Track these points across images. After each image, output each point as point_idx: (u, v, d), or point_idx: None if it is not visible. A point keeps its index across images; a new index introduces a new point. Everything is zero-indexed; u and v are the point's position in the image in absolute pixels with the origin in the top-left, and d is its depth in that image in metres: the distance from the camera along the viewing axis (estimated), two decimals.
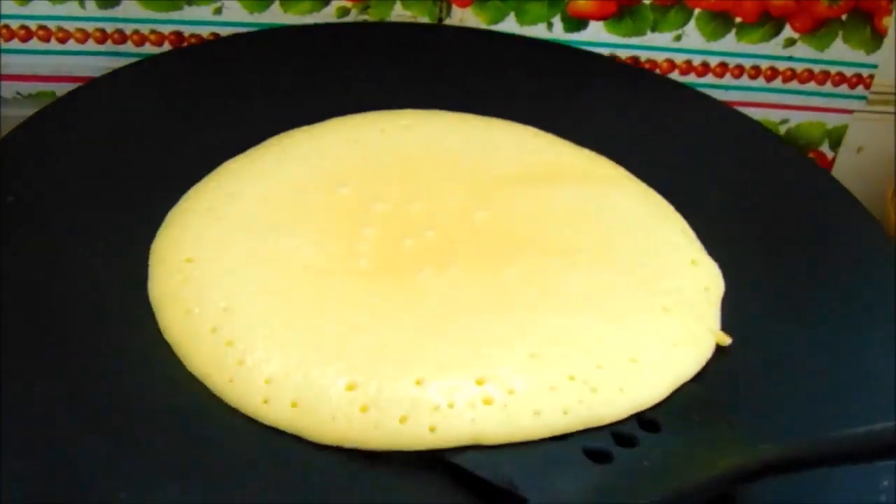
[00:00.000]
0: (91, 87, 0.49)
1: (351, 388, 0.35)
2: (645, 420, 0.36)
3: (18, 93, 0.55)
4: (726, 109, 0.53)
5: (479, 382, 0.36)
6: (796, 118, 0.59)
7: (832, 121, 0.60)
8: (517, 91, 0.51)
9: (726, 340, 0.39)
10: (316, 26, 0.55)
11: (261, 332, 0.37)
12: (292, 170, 0.44)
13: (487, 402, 0.35)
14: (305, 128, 0.47)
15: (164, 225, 0.42)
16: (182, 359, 0.37)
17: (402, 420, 0.35)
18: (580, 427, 0.35)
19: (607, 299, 0.40)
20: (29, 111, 0.53)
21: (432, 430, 0.35)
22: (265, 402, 0.36)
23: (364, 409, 0.35)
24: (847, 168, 0.60)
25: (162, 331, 0.38)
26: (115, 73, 0.49)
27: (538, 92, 0.51)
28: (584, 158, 0.47)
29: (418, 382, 0.36)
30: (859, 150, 0.60)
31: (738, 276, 0.42)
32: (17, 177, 0.43)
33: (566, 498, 0.33)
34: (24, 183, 0.42)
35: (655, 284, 0.41)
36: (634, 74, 0.56)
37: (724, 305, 0.41)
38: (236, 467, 0.34)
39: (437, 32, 0.56)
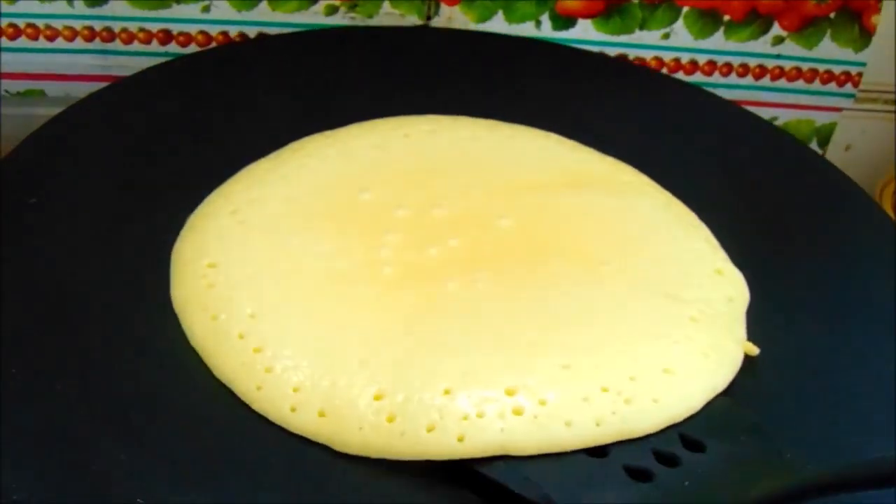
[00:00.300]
0: (111, 90, 0.49)
1: (378, 397, 0.35)
2: (689, 439, 0.35)
3: (7, 91, 0.55)
4: (736, 108, 0.53)
5: (510, 393, 0.35)
6: (785, 116, 0.60)
7: (821, 119, 0.60)
8: (538, 96, 0.51)
9: (754, 351, 0.39)
10: (332, 29, 0.55)
11: (289, 340, 0.37)
12: (315, 174, 0.44)
13: (518, 412, 0.35)
14: (328, 132, 0.47)
15: (185, 228, 0.42)
16: (209, 364, 0.37)
17: (430, 429, 0.34)
18: (613, 439, 0.35)
19: (637, 310, 0.39)
20: (17, 109, 0.54)
21: (460, 439, 0.34)
22: (293, 410, 0.35)
23: (391, 419, 0.35)
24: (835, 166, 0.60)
25: (187, 336, 0.38)
26: (139, 76, 0.49)
27: (557, 97, 0.51)
28: (607, 166, 0.47)
29: (447, 392, 0.35)
30: (847, 147, 0.61)
31: (760, 284, 0.42)
32: (37, 179, 0.42)
33: None
34: (43, 186, 0.42)
35: (682, 294, 0.40)
36: (652, 77, 0.56)
37: (749, 314, 0.41)
38: (262, 475, 0.34)
39: (453, 37, 0.55)
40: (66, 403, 0.34)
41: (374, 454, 0.34)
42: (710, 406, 0.37)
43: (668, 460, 0.34)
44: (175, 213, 0.42)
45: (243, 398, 0.36)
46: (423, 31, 0.56)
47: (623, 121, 0.50)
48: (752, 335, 0.40)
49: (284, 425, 0.35)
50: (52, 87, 0.55)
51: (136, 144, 0.45)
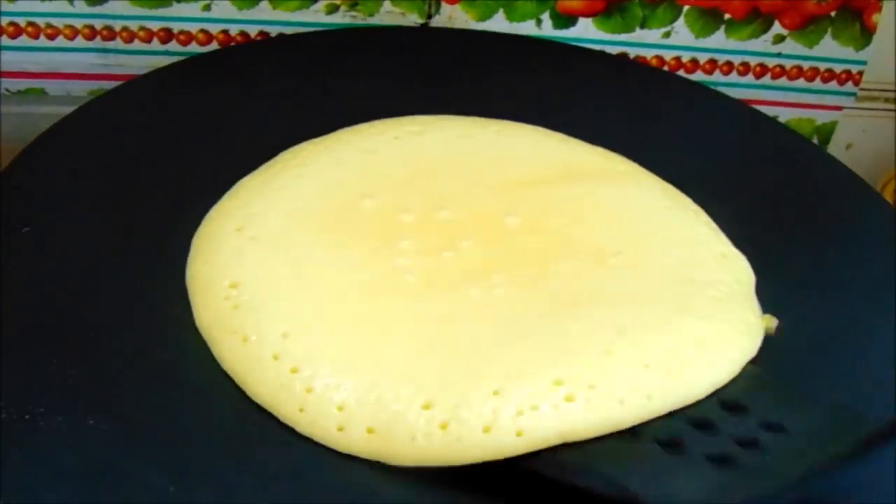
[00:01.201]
0: (97, 103, 0.48)
1: (427, 406, 0.35)
2: (771, 423, 0.35)
3: (7, 89, 0.55)
4: (727, 100, 0.53)
5: (558, 384, 0.35)
6: (786, 115, 0.60)
7: (821, 117, 0.60)
8: (516, 92, 0.51)
9: (774, 323, 0.40)
10: (312, 33, 0.54)
11: (325, 357, 0.36)
12: (313, 183, 0.43)
13: (570, 398, 0.35)
14: (316, 140, 0.46)
15: (193, 250, 0.40)
16: (244, 388, 0.36)
17: (486, 430, 0.34)
18: (666, 410, 0.35)
19: (660, 292, 0.40)
20: (17, 108, 0.54)
21: (519, 434, 0.34)
22: (340, 429, 0.34)
23: (444, 426, 0.34)
24: None
25: (218, 360, 0.37)
26: (123, 87, 0.48)
27: (536, 91, 0.51)
28: (599, 156, 0.47)
29: (496, 393, 0.35)
30: (848, 146, 0.61)
31: (760, 266, 0.43)
32: (21, 208, 0.41)
33: (688, 498, 0.32)
34: (29, 212, 0.41)
35: (697, 277, 0.41)
36: (643, 70, 0.56)
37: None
38: (312, 497, 0.33)
39: (432, 35, 0.55)
40: (103, 440, 0.33)
41: (430, 463, 0.34)
42: (745, 373, 0.37)
43: (747, 443, 0.34)
44: (174, 232, 0.41)
45: (286, 421, 0.35)
46: (409, 31, 0.56)
47: (609, 112, 0.50)
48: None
49: (332, 445, 0.34)
50: (52, 86, 0.55)
51: (123, 161, 0.44)
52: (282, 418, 0.35)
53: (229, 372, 0.36)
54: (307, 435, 0.35)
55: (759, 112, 0.53)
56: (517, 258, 0.41)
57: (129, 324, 0.37)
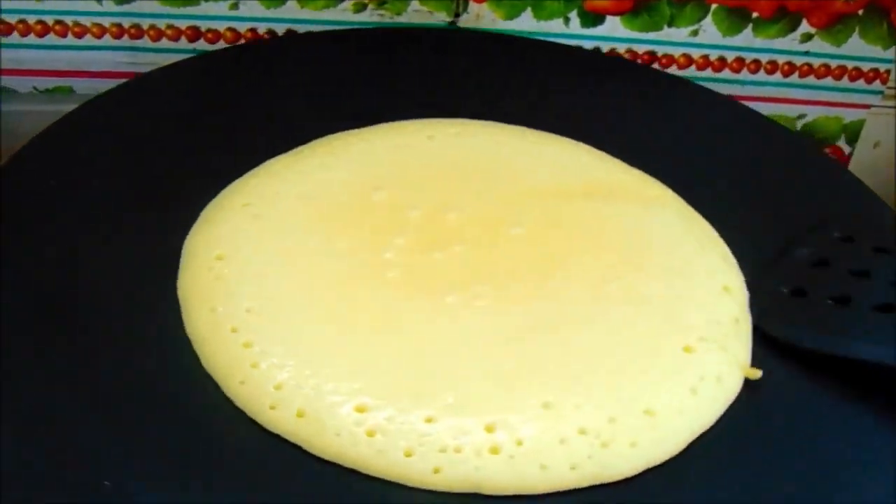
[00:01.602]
0: (142, 81, 0.49)
1: (361, 409, 0.35)
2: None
3: (35, 88, 0.55)
4: (776, 126, 0.53)
5: (489, 429, 0.35)
6: (813, 113, 0.59)
7: (849, 116, 0.60)
8: (572, 104, 0.51)
9: (756, 374, 0.39)
10: (365, 28, 0.55)
11: (279, 338, 0.37)
12: (333, 172, 0.44)
13: (494, 451, 0.35)
14: (354, 131, 0.47)
15: (199, 220, 0.42)
16: (199, 356, 0.37)
17: (408, 454, 0.34)
18: (587, 483, 0.35)
19: (630, 339, 0.39)
20: (46, 107, 0.54)
21: (436, 471, 0.34)
22: (272, 407, 0.35)
23: (371, 434, 0.34)
24: (864, 163, 0.60)
25: (185, 325, 0.38)
26: (169, 68, 0.50)
27: (593, 105, 0.51)
28: (635, 178, 0.47)
29: (429, 420, 0.35)
30: (876, 144, 0.60)
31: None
32: (58, 166, 0.43)
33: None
34: (67, 172, 0.43)
35: (684, 317, 0.40)
36: (689, 88, 0.55)
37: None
38: (234, 469, 0.34)
39: (492, 41, 0.55)
40: (55, 386, 0.35)
41: (347, 464, 0.34)
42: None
43: None
44: (194, 205, 0.42)
45: (227, 392, 0.36)
46: (455, 33, 0.56)
47: (657, 132, 0.50)
48: (756, 354, 0.40)
49: (263, 422, 0.35)
50: (80, 84, 0.55)
51: (158, 138, 0.45)
52: (224, 389, 0.36)
53: (190, 337, 0.38)
54: (242, 409, 0.35)
55: (812, 139, 0.53)
56: (505, 272, 0.40)
57: (118, 284, 0.39)
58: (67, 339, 0.36)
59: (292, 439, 0.35)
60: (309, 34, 0.54)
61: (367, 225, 0.42)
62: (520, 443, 0.35)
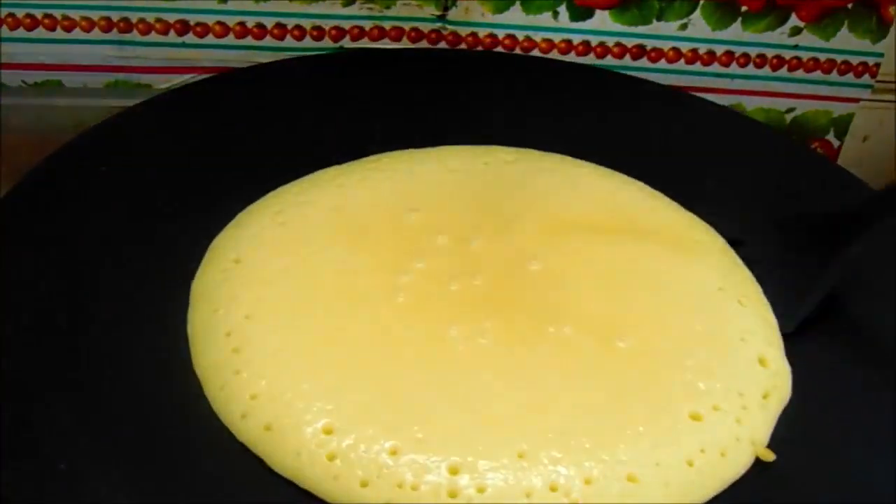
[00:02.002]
0: (196, 86, 0.50)
1: (328, 431, 0.34)
2: None
3: (24, 81, 0.55)
4: (835, 167, 0.53)
5: (453, 471, 0.33)
6: (802, 107, 0.59)
7: (838, 109, 0.60)
8: (640, 139, 0.50)
9: (769, 457, 0.35)
10: (423, 50, 0.56)
11: (267, 348, 0.36)
12: (374, 188, 0.44)
13: (452, 494, 0.33)
14: (414, 150, 0.46)
15: (232, 223, 0.42)
16: (192, 355, 0.37)
17: (363, 484, 0.33)
18: None
19: (630, 398, 0.36)
20: (33, 100, 0.54)
21: None
22: (243, 416, 0.35)
23: (331, 458, 0.33)
24: (852, 156, 0.60)
25: (187, 324, 0.38)
26: (223, 76, 0.51)
27: (660, 144, 0.50)
28: (682, 220, 0.44)
29: (392, 452, 0.34)
30: (865, 138, 0.60)
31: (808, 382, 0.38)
32: (108, 159, 0.44)
33: None
34: (116, 165, 0.44)
35: (700, 383, 0.37)
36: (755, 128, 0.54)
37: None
38: (193, 470, 0.34)
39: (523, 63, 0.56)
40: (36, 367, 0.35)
41: (303, 485, 0.33)
42: None
43: None
44: (240, 208, 0.43)
45: (207, 395, 0.36)
46: (507, 57, 0.56)
47: (723, 177, 0.48)
48: (779, 438, 0.36)
49: (233, 430, 0.35)
50: (69, 78, 0.55)
51: (212, 142, 0.46)
52: (206, 392, 0.36)
53: (189, 337, 0.37)
54: (217, 413, 0.35)
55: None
56: (516, 311, 0.38)
57: (136, 279, 0.39)
58: (75, 325, 0.37)
59: (255, 451, 0.34)
60: (371, 50, 0.55)
61: (392, 245, 0.41)
62: (482, 489, 0.33)
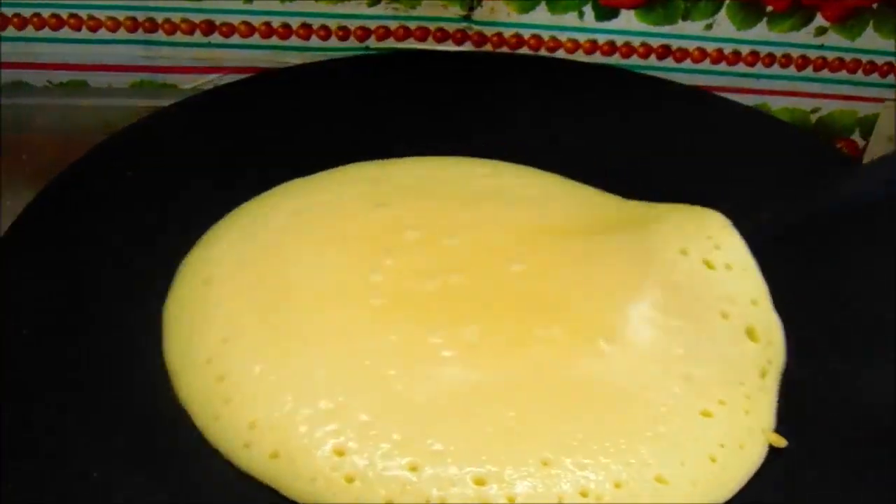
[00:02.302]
0: (183, 106, 0.49)
1: (340, 453, 0.33)
2: None
3: (49, 81, 0.55)
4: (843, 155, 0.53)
5: (479, 482, 0.32)
6: (828, 107, 0.59)
7: (864, 109, 0.59)
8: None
9: (781, 443, 0.36)
10: (410, 53, 0.55)
11: (253, 371, 0.35)
12: (339, 191, 0.43)
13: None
14: (395, 159, 0.45)
15: (200, 242, 0.40)
16: (174, 387, 0.35)
17: (388, 503, 0.32)
18: None
19: (639, 398, 0.35)
20: (59, 100, 0.54)
21: None
22: (246, 446, 0.33)
23: (349, 480, 0.32)
24: (878, 156, 0.60)
25: (164, 352, 0.36)
26: (217, 90, 0.51)
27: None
28: (639, 210, 0.44)
29: (413, 468, 0.33)
30: (891, 138, 0.60)
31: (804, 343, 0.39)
32: (138, 160, 0.44)
33: None
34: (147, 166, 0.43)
35: (700, 373, 0.36)
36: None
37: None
38: (203, 474, 0.33)
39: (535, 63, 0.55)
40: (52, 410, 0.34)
41: None
42: None
43: None
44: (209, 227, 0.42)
45: (200, 428, 0.34)
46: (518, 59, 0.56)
47: (748, 177, 0.47)
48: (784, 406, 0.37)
49: (236, 462, 0.33)
50: (94, 78, 0.55)
51: (192, 162, 0.45)
52: (198, 424, 0.34)
53: (168, 366, 0.36)
54: (215, 446, 0.34)
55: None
56: (498, 312, 0.37)
57: (110, 302, 0.38)
58: (60, 360, 0.36)
59: (266, 481, 0.33)
60: (372, 56, 0.55)
61: (360, 242, 0.39)
62: (512, 500, 0.32)
